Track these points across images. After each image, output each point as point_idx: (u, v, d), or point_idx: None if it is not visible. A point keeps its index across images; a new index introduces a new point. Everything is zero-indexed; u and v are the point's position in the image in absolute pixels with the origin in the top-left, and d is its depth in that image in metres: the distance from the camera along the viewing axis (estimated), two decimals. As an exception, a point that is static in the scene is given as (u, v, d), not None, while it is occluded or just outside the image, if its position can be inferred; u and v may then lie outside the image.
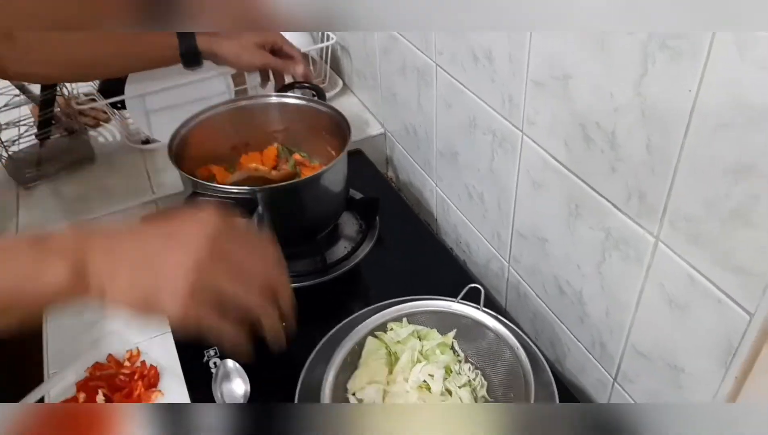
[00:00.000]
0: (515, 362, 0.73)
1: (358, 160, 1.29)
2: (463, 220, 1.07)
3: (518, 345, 0.74)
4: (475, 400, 0.76)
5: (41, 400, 1.01)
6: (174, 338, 0.96)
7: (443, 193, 1.12)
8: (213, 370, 0.87)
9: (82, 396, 0.98)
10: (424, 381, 0.76)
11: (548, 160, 0.77)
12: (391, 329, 0.80)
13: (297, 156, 1.08)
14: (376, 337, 0.80)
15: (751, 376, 0.58)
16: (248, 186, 0.87)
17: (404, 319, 0.81)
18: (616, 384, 0.78)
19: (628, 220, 0.66)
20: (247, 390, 0.84)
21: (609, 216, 0.69)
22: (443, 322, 0.82)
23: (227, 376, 0.85)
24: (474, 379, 0.78)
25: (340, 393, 0.76)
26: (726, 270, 0.56)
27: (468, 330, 0.81)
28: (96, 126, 1.36)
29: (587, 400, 0.85)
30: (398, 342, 0.78)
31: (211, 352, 0.91)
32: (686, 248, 0.60)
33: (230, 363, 0.86)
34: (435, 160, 1.11)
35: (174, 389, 0.97)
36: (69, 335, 1.09)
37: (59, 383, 1.01)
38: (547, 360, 0.78)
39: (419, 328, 0.81)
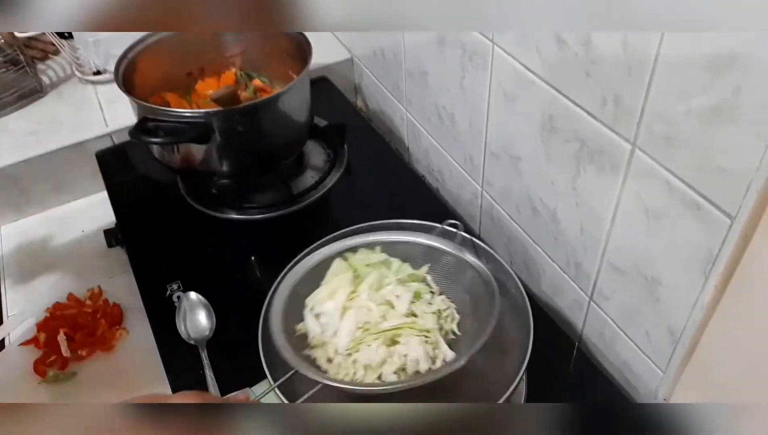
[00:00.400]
0: (486, 293, 0.70)
1: (324, 87, 1.23)
2: (434, 145, 1.03)
3: (491, 278, 0.70)
4: (442, 331, 0.70)
5: (1, 342, 0.98)
6: (135, 274, 0.92)
7: (414, 118, 1.07)
8: (176, 304, 0.84)
9: (42, 336, 0.94)
10: (389, 301, 0.71)
11: (520, 71, 0.72)
12: (361, 252, 0.77)
13: (257, 81, 1.02)
14: (345, 259, 0.76)
15: (731, 284, 0.56)
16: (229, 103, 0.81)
17: (377, 248, 0.77)
18: (592, 303, 0.77)
19: (603, 127, 0.62)
20: (213, 320, 0.81)
21: (584, 125, 0.65)
22: (418, 255, 0.77)
23: (191, 309, 0.82)
24: (444, 310, 0.73)
25: (298, 309, 0.72)
26: (705, 172, 0.53)
27: (445, 267, 0.75)
28: (44, 58, 1.28)
29: (563, 321, 0.83)
30: (367, 265, 0.74)
31: (174, 286, 0.88)
32: (664, 153, 0.56)
33: (193, 295, 0.82)
34: (404, 84, 1.06)
35: (139, 327, 0.94)
36: (27, 276, 1.05)
37: (19, 325, 0.98)
38: (523, 283, 0.74)
39: (392, 259, 0.76)
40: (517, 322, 0.70)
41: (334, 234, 0.77)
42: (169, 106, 0.95)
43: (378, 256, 0.76)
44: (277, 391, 0.62)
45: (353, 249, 0.76)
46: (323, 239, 0.76)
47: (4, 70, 1.18)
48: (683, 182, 0.56)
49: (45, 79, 1.23)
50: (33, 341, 0.95)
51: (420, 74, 0.99)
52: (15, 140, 1.10)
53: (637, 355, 0.72)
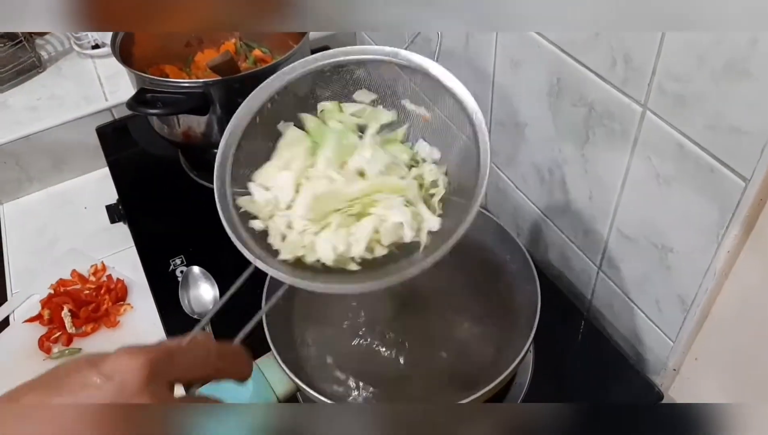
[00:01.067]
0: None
1: (327, 58, 1.20)
2: (439, 115, 1.01)
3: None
4: (426, 203, 0.54)
5: (6, 319, 0.98)
6: (138, 249, 0.91)
7: (418, 87, 1.05)
8: (180, 278, 0.83)
9: (46, 313, 0.94)
10: (359, 170, 0.55)
11: (526, 33, 0.70)
12: (322, 111, 0.59)
13: (257, 52, 1.00)
14: (300, 127, 0.58)
15: (745, 249, 0.55)
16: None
17: (342, 105, 0.59)
18: (600, 273, 0.75)
19: (613, 90, 0.60)
20: (216, 294, 0.80)
21: (592, 88, 0.63)
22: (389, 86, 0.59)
23: (195, 283, 0.81)
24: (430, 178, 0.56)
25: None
26: (719, 133, 0.51)
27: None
28: (42, 33, 1.26)
29: (572, 292, 0.82)
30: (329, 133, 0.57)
31: (177, 260, 0.87)
32: (676, 113, 0.54)
33: (196, 269, 0.82)
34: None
35: (143, 302, 0.93)
36: (30, 253, 1.04)
37: (23, 302, 0.97)
38: (530, 254, 0.73)
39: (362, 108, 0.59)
40: (525, 293, 0.68)
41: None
42: (168, 78, 0.93)
43: (343, 116, 0.59)
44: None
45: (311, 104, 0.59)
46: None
47: (1, 45, 1.16)
48: (696, 144, 0.53)
49: (43, 54, 1.21)
50: (37, 318, 0.94)
51: (424, 41, 0.96)
52: (14, 116, 1.08)
53: (647, 325, 0.70)
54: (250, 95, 0.57)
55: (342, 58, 0.58)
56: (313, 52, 0.92)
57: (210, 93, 0.78)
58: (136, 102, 0.76)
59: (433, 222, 0.53)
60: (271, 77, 0.57)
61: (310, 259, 0.52)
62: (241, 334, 0.49)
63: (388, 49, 0.58)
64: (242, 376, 0.44)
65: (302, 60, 0.58)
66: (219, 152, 0.56)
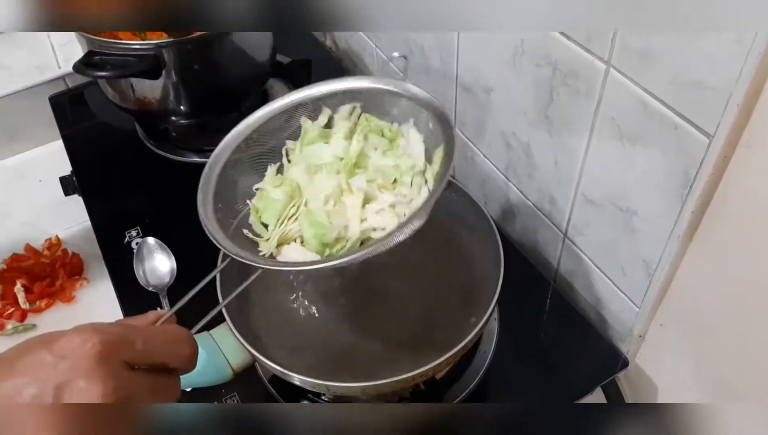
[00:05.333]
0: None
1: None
2: (405, 83, 0.98)
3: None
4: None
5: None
6: (92, 221, 0.87)
7: (383, 52, 1.02)
8: (135, 250, 0.80)
9: (-1, 288, 0.91)
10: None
11: None
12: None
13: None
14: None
15: (709, 209, 0.53)
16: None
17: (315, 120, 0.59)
18: (566, 239, 0.74)
19: (576, 47, 0.58)
20: (173, 266, 0.77)
21: (556, 46, 0.61)
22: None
23: (150, 255, 0.78)
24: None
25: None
26: (682, 88, 0.49)
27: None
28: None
29: (538, 261, 0.81)
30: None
31: (133, 232, 0.84)
32: (640, 70, 0.53)
33: (151, 240, 0.79)
34: (373, 18, 1.00)
35: (100, 276, 0.90)
36: (-20, 228, 1.00)
37: (-27, 279, 0.94)
38: (497, 225, 0.70)
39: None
40: (489, 260, 0.67)
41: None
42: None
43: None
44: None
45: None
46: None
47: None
48: (659, 101, 0.52)
49: (-6, 22, 1.16)
50: (-11, 294, 0.91)
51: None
52: (-38, 86, 1.04)
53: (612, 292, 0.69)
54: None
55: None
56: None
57: (162, 55, 0.75)
58: (83, 64, 0.72)
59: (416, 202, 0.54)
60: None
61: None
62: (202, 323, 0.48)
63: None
64: (185, 367, 0.42)
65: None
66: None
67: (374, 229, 0.53)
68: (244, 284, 0.51)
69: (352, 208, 0.54)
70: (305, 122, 0.59)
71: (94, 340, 0.36)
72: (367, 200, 0.55)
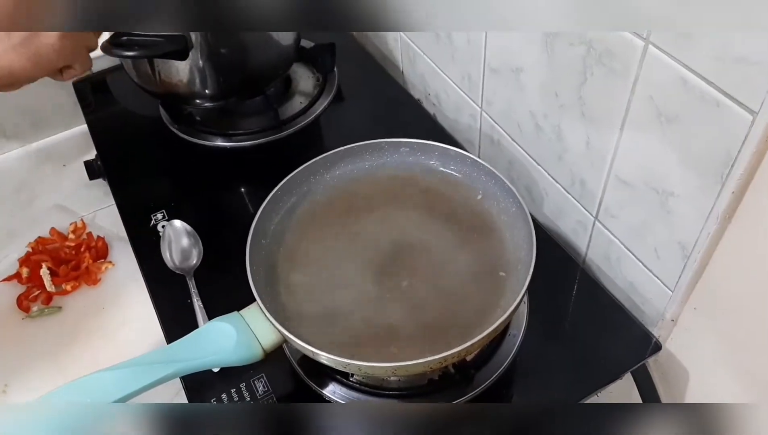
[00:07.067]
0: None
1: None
2: (431, 66, 0.97)
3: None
4: None
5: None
6: (118, 204, 0.88)
7: (408, 37, 1.01)
8: (161, 233, 0.80)
9: (25, 271, 0.91)
10: None
11: (522, -29, 0.66)
12: None
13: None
14: None
15: (750, 189, 0.52)
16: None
17: None
18: (597, 222, 0.73)
19: (613, 24, 0.57)
20: (201, 249, 0.77)
21: (591, 24, 0.60)
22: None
23: (177, 238, 0.78)
24: None
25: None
26: (725, 63, 0.48)
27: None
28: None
29: (567, 245, 0.80)
30: None
31: (159, 215, 0.84)
32: (680, 46, 0.51)
33: (178, 223, 0.78)
34: None
35: (125, 259, 0.91)
36: (8, 212, 1.01)
37: (1, 261, 0.94)
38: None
39: None
40: (520, 243, 0.66)
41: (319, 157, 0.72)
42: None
43: None
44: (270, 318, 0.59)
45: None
46: (309, 163, 0.72)
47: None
48: (701, 77, 0.51)
49: None
50: (15, 277, 0.92)
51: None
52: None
53: (644, 275, 0.68)
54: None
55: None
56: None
57: (189, 36, 0.74)
58: (111, 44, 0.72)
59: None
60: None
61: None
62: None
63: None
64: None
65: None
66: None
67: None
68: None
69: None
70: None
71: None
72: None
